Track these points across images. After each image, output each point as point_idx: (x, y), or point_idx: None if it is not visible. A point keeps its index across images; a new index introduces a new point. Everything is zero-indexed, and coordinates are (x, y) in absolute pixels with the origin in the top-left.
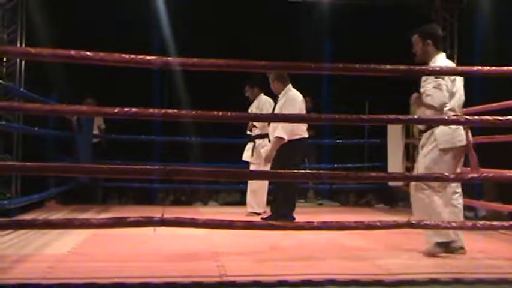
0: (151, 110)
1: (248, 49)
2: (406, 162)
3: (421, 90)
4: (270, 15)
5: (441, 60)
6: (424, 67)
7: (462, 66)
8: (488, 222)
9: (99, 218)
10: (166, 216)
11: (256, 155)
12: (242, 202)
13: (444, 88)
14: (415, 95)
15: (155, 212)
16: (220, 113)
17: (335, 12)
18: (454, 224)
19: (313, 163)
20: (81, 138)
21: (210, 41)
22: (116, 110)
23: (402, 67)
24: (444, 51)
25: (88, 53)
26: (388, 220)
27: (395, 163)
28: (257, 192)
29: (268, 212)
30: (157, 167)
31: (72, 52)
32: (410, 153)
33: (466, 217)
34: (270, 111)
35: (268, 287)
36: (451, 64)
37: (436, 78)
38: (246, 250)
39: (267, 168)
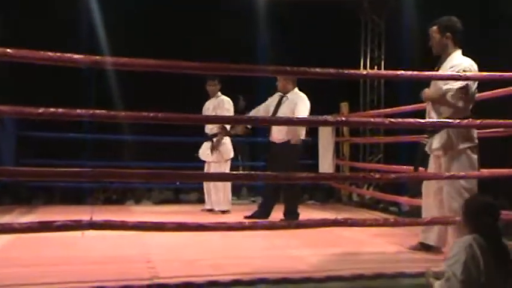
0: (78, 111)
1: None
2: (336, 160)
3: (445, 86)
4: (197, 14)
5: (459, 58)
6: (353, 71)
7: (389, 67)
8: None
9: (23, 222)
10: (95, 218)
11: (216, 153)
12: (175, 200)
13: (469, 91)
14: (427, 90)
15: (84, 212)
16: (151, 114)
17: (266, 10)
18: (379, 221)
19: (246, 161)
20: (3, 138)
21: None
22: (40, 111)
23: (332, 70)
24: (461, 48)
25: (9, 50)
26: (317, 219)
27: (325, 161)
28: (222, 189)
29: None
30: (86, 169)
31: None
32: (340, 152)
33: (390, 212)
34: (231, 111)
35: None
36: (470, 61)
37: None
38: (178, 251)
39: (227, 166)
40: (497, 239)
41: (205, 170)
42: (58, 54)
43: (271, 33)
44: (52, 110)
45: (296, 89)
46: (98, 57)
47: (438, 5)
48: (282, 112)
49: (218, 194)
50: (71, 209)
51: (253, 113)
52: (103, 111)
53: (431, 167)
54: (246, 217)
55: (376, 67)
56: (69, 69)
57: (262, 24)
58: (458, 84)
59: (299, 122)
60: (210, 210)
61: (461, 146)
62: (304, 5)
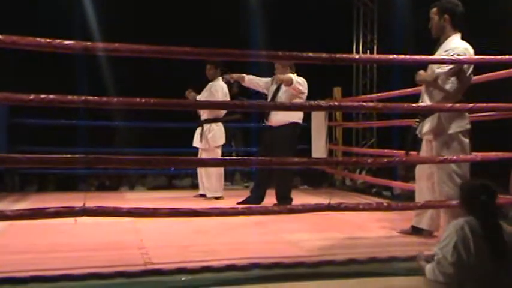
0: (69, 97)
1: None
2: (329, 144)
3: (438, 70)
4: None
5: (456, 41)
6: (345, 55)
7: (381, 51)
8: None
9: (15, 209)
10: (88, 204)
11: (205, 140)
12: (169, 186)
13: (462, 75)
14: (423, 72)
15: (77, 199)
16: (143, 100)
17: None
18: (373, 206)
19: (240, 147)
20: None
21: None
22: (31, 97)
23: (324, 55)
24: (461, 32)
25: None
26: (310, 203)
27: (318, 146)
28: (213, 175)
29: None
30: (80, 155)
31: None
32: (333, 136)
33: (383, 196)
34: (223, 98)
35: (193, 273)
36: (466, 45)
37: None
38: (172, 236)
39: (217, 153)
40: (493, 221)
41: (198, 156)
42: (48, 40)
43: (264, 18)
44: (43, 96)
45: (295, 75)
46: (88, 43)
47: None
48: (280, 98)
49: (210, 180)
50: (64, 196)
51: (255, 81)
52: (95, 97)
53: (424, 151)
54: (238, 203)
55: (368, 51)
56: (61, 56)
57: (255, 9)
58: (450, 69)
59: (292, 107)
60: (203, 196)
61: (453, 130)
62: None
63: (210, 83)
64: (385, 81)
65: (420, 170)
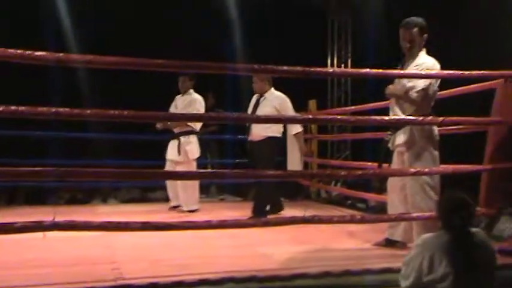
0: (40, 109)
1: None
2: (304, 157)
3: (409, 84)
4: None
5: (422, 57)
6: (319, 69)
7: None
8: (375, 215)
9: None
10: (58, 218)
11: (183, 153)
12: (143, 199)
13: (432, 89)
14: (392, 87)
15: (47, 213)
16: (117, 112)
17: (234, 10)
18: (346, 218)
19: (215, 158)
20: None
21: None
22: (0, 109)
23: (298, 68)
24: (426, 47)
25: None
26: (285, 216)
27: (294, 159)
28: (189, 188)
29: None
30: (50, 168)
31: None
32: (308, 149)
33: (358, 208)
34: (201, 110)
35: None
36: (433, 60)
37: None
38: (144, 250)
39: (193, 165)
40: (468, 235)
41: (170, 169)
42: (19, 51)
43: (239, 32)
44: (13, 108)
45: (272, 89)
46: (61, 55)
47: (407, 2)
48: (260, 112)
49: (186, 193)
50: (34, 210)
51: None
52: (67, 109)
53: (395, 163)
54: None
55: (343, 65)
56: (35, 68)
57: (230, 23)
58: (422, 82)
59: (266, 120)
60: (176, 207)
61: (424, 142)
62: (272, 4)
63: (186, 95)
64: (359, 93)
65: (392, 182)
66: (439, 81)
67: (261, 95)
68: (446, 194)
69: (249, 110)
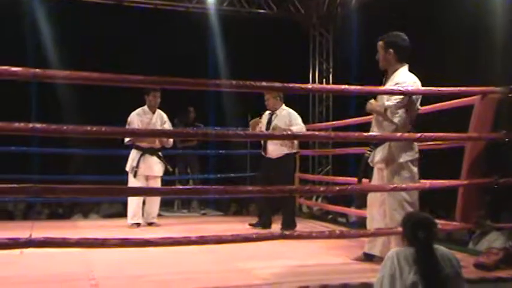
0: (16, 125)
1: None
2: None
3: (387, 103)
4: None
5: (404, 74)
6: (298, 85)
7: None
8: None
9: None
10: (37, 234)
11: (163, 168)
12: (125, 214)
13: (412, 108)
14: (373, 102)
15: (26, 228)
16: (94, 128)
17: (218, 24)
18: (325, 234)
19: (196, 173)
20: None
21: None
22: None
23: (277, 84)
24: (407, 63)
25: None
26: (265, 232)
27: None
28: (158, 203)
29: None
30: (28, 185)
31: None
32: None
33: (338, 223)
34: (165, 126)
35: None
36: (414, 78)
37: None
38: (123, 266)
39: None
40: (430, 251)
41: (140, 185)
42: None
43: (221, 47)
44: None
45: (283, 105)
46: (37, 70)
47: (386, 19)
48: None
49: (154, 207)
50: (12, 225)
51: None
52: (44, 125)
53: (375, 179)
54: (250, 224)
55: (324, 80)
56: (11, 83)
57: (212, 38)
58: (400, 103)
59: (246, 135)
60: (139, 224)
61: (402, 159)
62: (254, 19)
63: (161, 112)
64: (341, 109)
65: (372, 197)
66: (419, 99)
67: (273, 112)
68: (409, 214)
69: (263, 127)
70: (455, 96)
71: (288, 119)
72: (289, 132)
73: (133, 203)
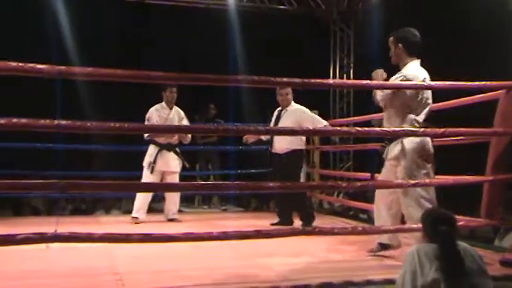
0: (42, 121)
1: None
2: (307, 168)
3: (380, 93)
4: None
5: (412, 67)
6: (318, 80)
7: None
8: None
9: None
10: (62, 229)
11: (180, 163)
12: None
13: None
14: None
15: (51, 223)
16: (117, 124)
17: (235, 21)
18: (347, 229)
19: (217, 169)
20: None
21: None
22: (2, 121)
23: (297, 80)
24: (419, 58)
25: None
26: (286, 228)
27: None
28: (177, 199)
29: None
30: (53, 181)
31: None
32: (310, 160)
33: (360, 219)
34: (183, 122)
35: None
36: (422, 72)
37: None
38: (146, 261)
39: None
40: (452, 246)
41: (155, 180)
42: (21, 64)
43: (241, 43)
44: (15, 120)
45: (292, 102)
46: (62, 67)
47: (406, 14)
48: (282, 125)
49: (174, 203)
50: (38, 220)
51: None
52: (69, 121)
53: (388, 175)
54: (272, 224)
55: (345, 75)
56: (36, 80)
57: (232, 35)
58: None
59: (266, 131)
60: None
61: (415, 156)
62: (274, 15)
63: (178, 108)
64: (362, 104)
65: (380, 191)
66: (430, 92)
67: (283, 108)
68: (430, 209)
69: (271, 124)
70: (480, 90)
71: (298, 114)
72: (310, 128)
73: (140, 197)
